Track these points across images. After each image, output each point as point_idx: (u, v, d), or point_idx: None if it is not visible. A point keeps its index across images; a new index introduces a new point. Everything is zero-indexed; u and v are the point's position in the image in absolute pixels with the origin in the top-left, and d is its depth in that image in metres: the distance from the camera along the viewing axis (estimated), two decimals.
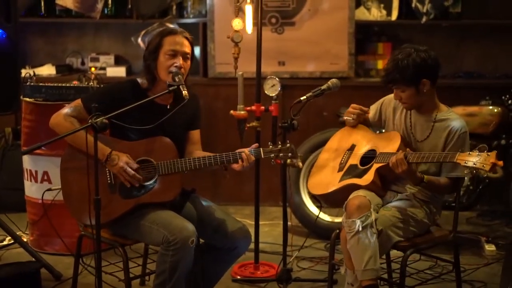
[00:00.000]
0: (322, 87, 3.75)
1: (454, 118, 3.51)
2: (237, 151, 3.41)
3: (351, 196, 3.41)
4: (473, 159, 3.13)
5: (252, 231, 3.78)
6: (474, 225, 5.34)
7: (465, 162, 3.15)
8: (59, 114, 3.44)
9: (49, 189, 4.23)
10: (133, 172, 3.32)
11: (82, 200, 3.28)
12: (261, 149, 3.44)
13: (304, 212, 5.11)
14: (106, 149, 3.34)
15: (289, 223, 4.14)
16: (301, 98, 3.68)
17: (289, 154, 3.46)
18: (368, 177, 3.46)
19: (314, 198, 4.92)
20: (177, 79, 3.33)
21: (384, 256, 3.72)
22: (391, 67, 3.45)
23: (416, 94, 3.47)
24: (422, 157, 3.32)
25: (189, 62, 3.47)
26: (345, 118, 3.80)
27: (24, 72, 4.86)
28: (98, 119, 3.04)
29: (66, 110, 3.44)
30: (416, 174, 3.37)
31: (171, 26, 5.74)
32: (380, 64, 5.85)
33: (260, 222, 4.43)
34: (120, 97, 3.39)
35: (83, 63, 6.16)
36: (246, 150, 3.40)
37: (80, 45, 6.21)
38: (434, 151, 3.46)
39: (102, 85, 4.52)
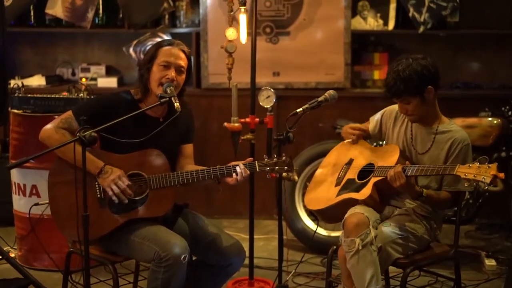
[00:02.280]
0: (319, 99, 3.65)
1: (457, 130, 3.45)
2: (230, 164, 3.33)
3: (348, 214, 3.32)
4: (474, 171, 3.05)
5: (246, 245, 3.70)
6: (473, 238, 5.27)
7: (465, 175, 3.08)
8: (49, 127, 3.35)
9: (37, 204, 4.12)
10: (124, 186, 3.24)
11: (70, 216, 3.19)
12: (256, 162, 3.36)
13: (299, 226, 5.04)
14: (99, 162, 3.26)
15: (284, 237, 4.05)
16: (297, 110, 3.59)
17: (285, 167, 3.37)
18: (366, 192, 3.38)
19: (311, 214, 4.84)
20: (168, 91, 3.26)
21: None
22: (393, 79, 3.36)
23: (422, 103, 3.39)
24: (421, 170, 3.23)
25: (183, 75, 3.39)
26: (346, 141, 3.70)
27: (13, 83, 4.77)
28: (86, 133, 2.95)
29: (56, 122, 3.36)
30: (415, 188, 3.28)
31: (164, 35, 5.68)
32: (377, 75, 5.79)
33: (255, 236, 4.31)
34: (112, 108, 3.31)
35: (73, 74, 6.08)
36: (241, 163, 3.31)
37: (71, 55, 6.14)
38: (435, 163, 3.38)
39: (93, 96, 4.43)
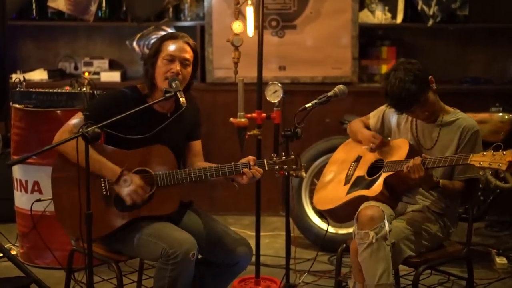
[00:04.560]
0: (329, 94, 3.57)
1: (464, 117, 3.39)
2: (242, 161, 3.25)
3: (362, 206, 3.24)
4: (488, 159, 2.98)
5: (252, 243, 3.63)
6: (482, 236, 5.19)
7: (480, 163, 3.00)
8: (63, 132, 3.23)
9: (39, 200, 4.03)
10: (145, 197, 3.19)
11: (74, 214, 3.11)
12: (265, 160, 3.28)
13: (306, 223, 4.96)
14: (116, 168, 3.18)
15: (291, 234, 3.98)
16: (306, 106, 3.50)
17: (294, 166, 3.29)
18: (377, 188, 3.31)
19: (320, 214, 4.75)
20: (174, 85, 3.18)
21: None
22: (401, 88, 3.23)
23: (433, 96, 3.32)
24: (438, 161, 3.15)
25: (189, 69, 3.31)
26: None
27: (14, 77, 4.70)
28: (89, 128, 2.86)
29: (69, 127, 3.23)
30: (433, 179, 3.21)
31: (168, 29, 5.61)
32: (384, 69, 5.71)
33: (261, 233, 4.23)
34: (120, 105, 3.21)
35: (76, 68, 6.03)
36: (252, 161, 3.24)
37: (73, 49, 6.08)
38: (445, 155, 3.30)
39: (99, 94, 4.36)
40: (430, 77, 3.31)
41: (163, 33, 5.28)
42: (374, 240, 3.11)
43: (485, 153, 3.01)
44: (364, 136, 3.60)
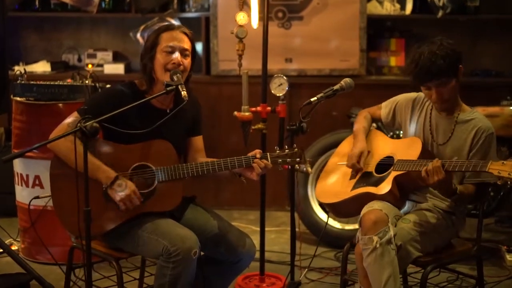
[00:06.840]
0: (335, 87, 3.48)
1: (480, 118, 3.28)
2: (249, 154, 3.18)
3: (365, 210, 3.14)
4: (508, 169, 2.86)
5: (257, 238, 3.56)
6: (492, 232, 5.10)
7: (499, 172, 2.88)
8: (58, 132, 3.13)
9: (37, 197, 3.94)
10: (138, 202, 3.10)
11: (73, 211, 3.04)
12: (268, 154, 3.20)
13: (312, 218, 4.87)
14: (111, 172, 3.10)
15: (296, 229, 3.91)
16: (312, 100, 3.42)
17: (297, 159, 3.20)
18: (385, 186, 3.20)
19: (322, 207, 4.67)
20: (175, 78, 3.11)
21: None
22: (430, 60, 3.13)
23: (456, 84, 3.22)
24: (459, 165, 3.02)
25: (189, 59, 3.24)
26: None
27: (16, 69, 4.64)
28: (87, 123, 2.78)
29: (63, 127, 3.14)
30: (451, 185, 3.10)
31: (172, 20, 5.55)
32: (393, 61, 5.67)
33: (266, 229, 4.16)
34: (117, 103, 3.10)
35: (79, 60, 5.98)
36: (258, 154, 3.17)
37: (77, 41, 6.02)
38: (457, 154, 3.22)
39: (101, 87, 4.32)
40: (461, 66, 3.22)
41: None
42: (378, 245, 3.02)
43: (504, 162, 2.89)
44: (353, 149, 3.42)
